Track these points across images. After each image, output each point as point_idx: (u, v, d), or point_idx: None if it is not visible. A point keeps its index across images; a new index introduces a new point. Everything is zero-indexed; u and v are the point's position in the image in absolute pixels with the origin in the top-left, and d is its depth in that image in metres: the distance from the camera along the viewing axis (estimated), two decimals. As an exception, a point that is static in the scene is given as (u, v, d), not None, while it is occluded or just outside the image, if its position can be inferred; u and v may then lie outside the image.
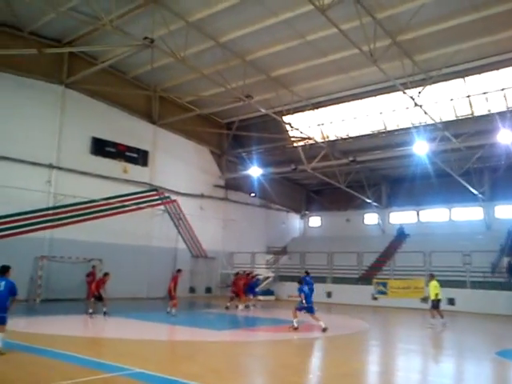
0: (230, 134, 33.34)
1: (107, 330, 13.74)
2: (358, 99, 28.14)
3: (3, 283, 10.26)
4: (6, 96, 22.60)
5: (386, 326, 20.04)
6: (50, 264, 22.96)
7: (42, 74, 23.89)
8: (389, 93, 26.24)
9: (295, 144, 31.37)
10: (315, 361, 11.37)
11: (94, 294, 17.33)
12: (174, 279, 18.58)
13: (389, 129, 29.15)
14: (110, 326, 14.59)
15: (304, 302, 14.68)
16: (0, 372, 8.48)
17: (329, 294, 29.01)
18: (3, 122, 22.36)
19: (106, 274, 18.11)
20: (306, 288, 15.43)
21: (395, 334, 17.40)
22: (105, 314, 16.89)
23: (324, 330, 14.50)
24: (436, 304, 17.31)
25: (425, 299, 18.05)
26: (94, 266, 22.76)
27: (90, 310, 16.87)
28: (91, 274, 21.80)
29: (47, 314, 17.83)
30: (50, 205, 23.82)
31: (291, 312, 15.07)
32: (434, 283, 17.50)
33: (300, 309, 14.93)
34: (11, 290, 10.30)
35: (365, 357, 12.04)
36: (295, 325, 14.75)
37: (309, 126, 30.97)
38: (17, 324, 14.54)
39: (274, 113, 27.26)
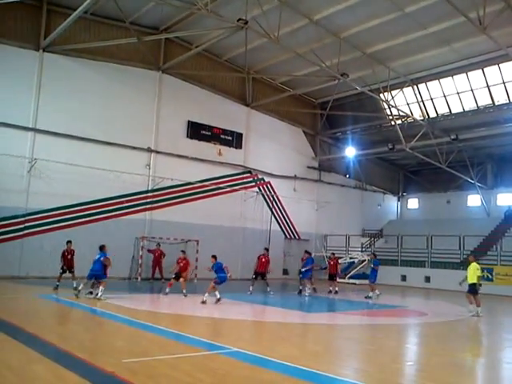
0: (324, 114, 32.72)
1: (202, 310, 14.09)
2: (461, 73, 26.35)
3: (98, 256, 15.02)
4: (107, 84, 23.73)
5: (491, 314, 18.71)
6: (149, 244, 24.04)
7: (140, 61, 24.80)
8: (498, 63, 24.24)
9: (392, 123, 30.08)
10: (415, 348, 10.84)
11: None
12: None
13: (497, 103, 26.97)
14: (205, 305, 14.96)
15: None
16: (110, 342, 8.98)
17: (427, 279, 27.84)
18: (106, 109, 23.57)
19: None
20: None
21: (501, 323, 16.21)
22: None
23: (218, 300, 15.16)
24: (475, 289, 15.40)
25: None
26: (158, 244, 23.74)
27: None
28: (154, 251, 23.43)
29: (148, 292, 18.70)
30: (149, 187, 24.87)
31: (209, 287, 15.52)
32: (474, 265, 15.75)
33: (216, 283, 15.62)
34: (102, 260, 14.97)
35: (468, 346, 11.28)
36: (218, 296, 15.28)
37: (407, 103, 29.59)
38: (121, 300, 15.41)
39: (370, 90, 26.30)
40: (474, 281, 15.40)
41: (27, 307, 13.22)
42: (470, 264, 15.99)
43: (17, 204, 20.83)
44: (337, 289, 21.44)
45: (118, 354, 7.94)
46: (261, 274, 19.59)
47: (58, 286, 16.59)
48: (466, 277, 15.69)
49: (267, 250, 20.92)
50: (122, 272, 23.17)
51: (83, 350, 7.89)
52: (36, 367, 6.82)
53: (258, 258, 19.88)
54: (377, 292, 19.93)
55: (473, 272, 15.55)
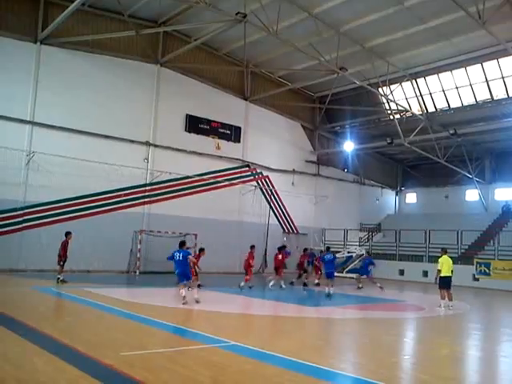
0: (323, 109, 32.72)
1: (201, 303, 14.11)
2: (460, 67, 26.34)
3: (181, 254, 13.21)
4: (106, 77, 23.63)
5: (488, 308, 18.86)
6: (147, 238, 24.02)
7: (138, 54, 24.73)
8: (497, 58, 24.23)
9: (391, 117, 30.07)
10: (412, 342, 10.87)
11: None
12: (251, 255, 17.85)
13: (496, 98, 26.95)
14: (204, 299, 14.97)
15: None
16: (108, 335, 8.99)
17: (425, 273, 27.87)
18: (104, 102, 23.46)
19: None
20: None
21: (499, 317, 16.29)
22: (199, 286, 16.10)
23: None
24: (447, 282, 15.04)
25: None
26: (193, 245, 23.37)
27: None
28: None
29: (146, 286, 18.70)
30: (148, 181, 24.83)
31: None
32: (445, 258, 15.19)
33: None
34: (187, 258, 13.34)
35: (465, 340, 11.32)
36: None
37: (406, 97, 29.57)
38: (120, 293, 15.44)
39: (369, 85, 26.28)
40: (447, 273, 15.07)
41: (26, 300, 13.21)
42: (441, 257, 15.42)
43: (15, 197, 20.79)
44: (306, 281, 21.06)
45: (117, 347, 7.94)
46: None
47: (63, 279, 16.77)
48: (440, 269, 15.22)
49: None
50: (121, 265, 23.22)
51: (82, 343, 7.89)
52: (35, 360, 6.82)
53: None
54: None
55: (446, 264, 15.13)
